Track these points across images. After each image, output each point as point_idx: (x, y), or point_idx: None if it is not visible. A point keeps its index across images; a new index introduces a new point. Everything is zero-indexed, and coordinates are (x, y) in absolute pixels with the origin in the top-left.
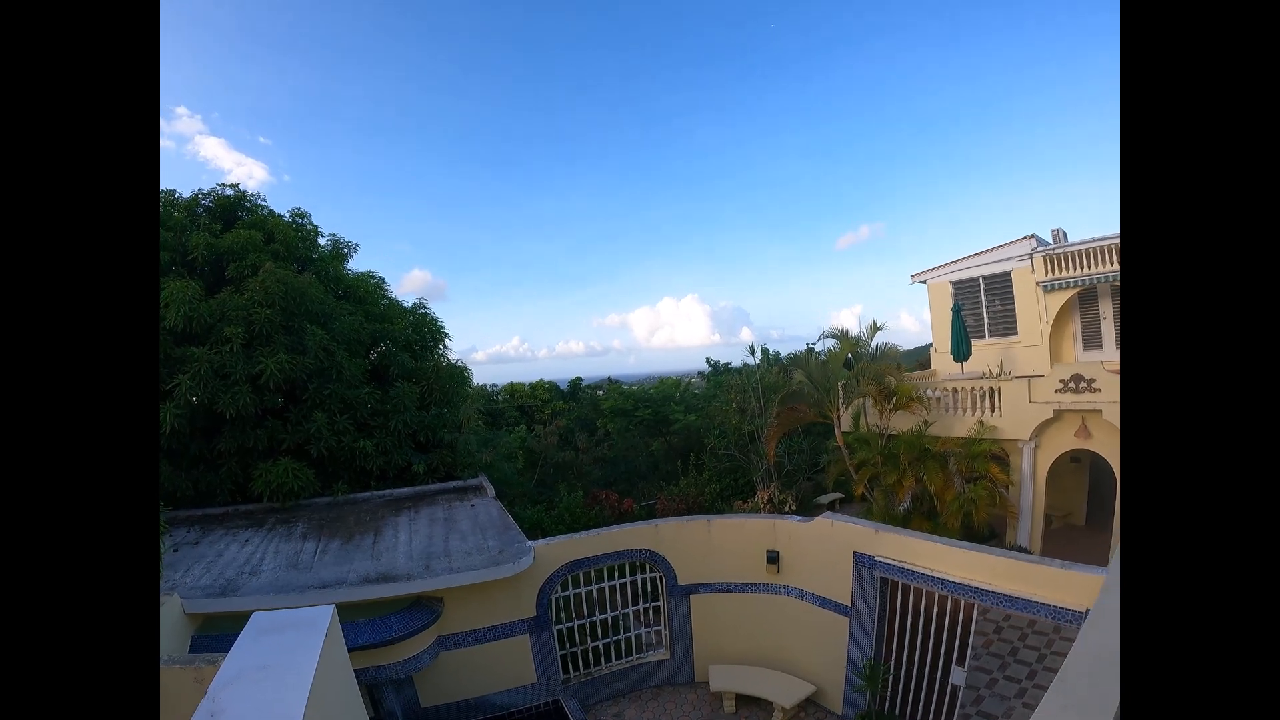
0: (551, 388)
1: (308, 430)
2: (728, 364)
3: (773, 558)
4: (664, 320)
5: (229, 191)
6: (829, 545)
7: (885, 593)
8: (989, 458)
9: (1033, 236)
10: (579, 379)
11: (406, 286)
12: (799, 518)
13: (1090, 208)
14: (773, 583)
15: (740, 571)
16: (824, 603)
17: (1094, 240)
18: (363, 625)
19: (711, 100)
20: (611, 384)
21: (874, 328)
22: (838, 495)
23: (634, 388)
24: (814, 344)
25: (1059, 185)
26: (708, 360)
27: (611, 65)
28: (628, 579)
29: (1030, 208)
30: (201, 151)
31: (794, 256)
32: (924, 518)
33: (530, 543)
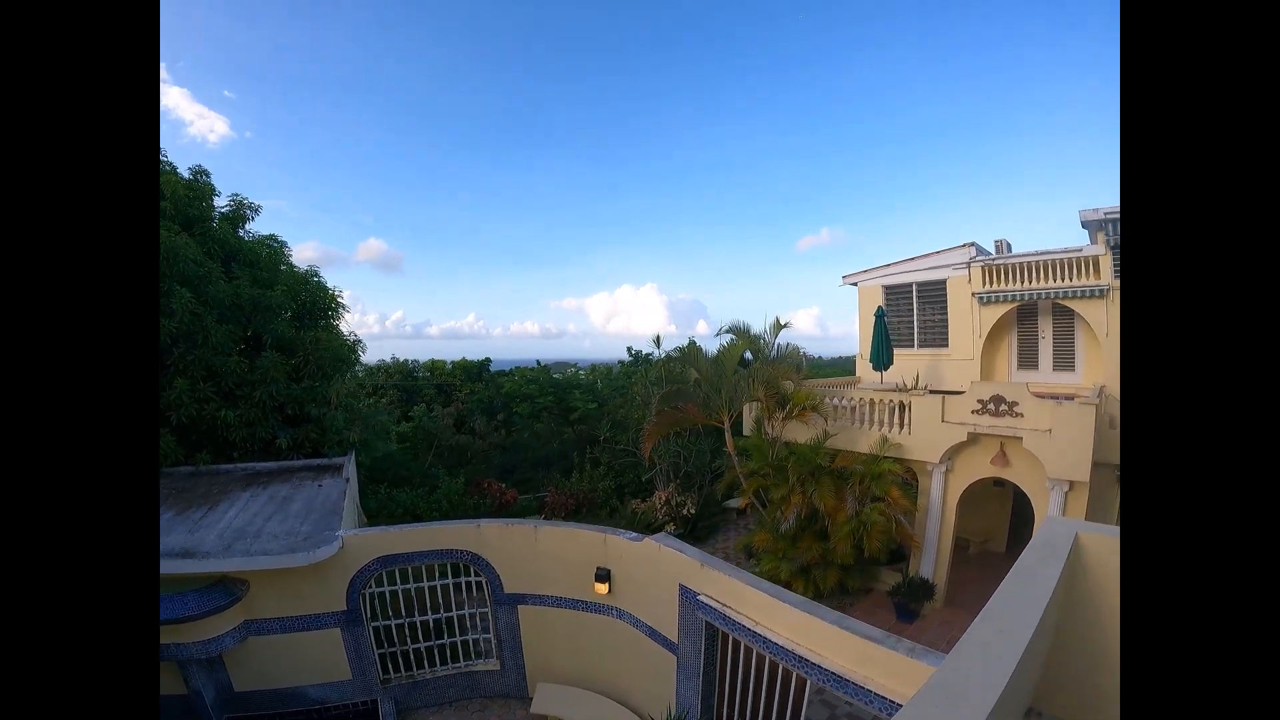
0: (465, 367)
1: (168, 397)
2: (648, 355)
3: (603, 576)
4: (621, 307)
5: None
6: (656, 572)
7: (712, 638)
8: (892, 479)
9: (972, 244)
10: (487, 360)
11: (362, 255)
12: (631, 535)
13: (1049, 225)
14: (603, 603)
15: (570, 586)
16: (653, 634)
17: (1037, 254)
18: (162, 599)
19: (687, 94)
20: (533, 368)
21: (777, 325)
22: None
23: (537, 371)
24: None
25: (1023, 203)
26: (629, 349)
27: (591, 48)
28: (449, 581)
29: (994, 225)
30: (163, 101)
31: (755, 255)
32: (815, 538)
33: (340, 532)
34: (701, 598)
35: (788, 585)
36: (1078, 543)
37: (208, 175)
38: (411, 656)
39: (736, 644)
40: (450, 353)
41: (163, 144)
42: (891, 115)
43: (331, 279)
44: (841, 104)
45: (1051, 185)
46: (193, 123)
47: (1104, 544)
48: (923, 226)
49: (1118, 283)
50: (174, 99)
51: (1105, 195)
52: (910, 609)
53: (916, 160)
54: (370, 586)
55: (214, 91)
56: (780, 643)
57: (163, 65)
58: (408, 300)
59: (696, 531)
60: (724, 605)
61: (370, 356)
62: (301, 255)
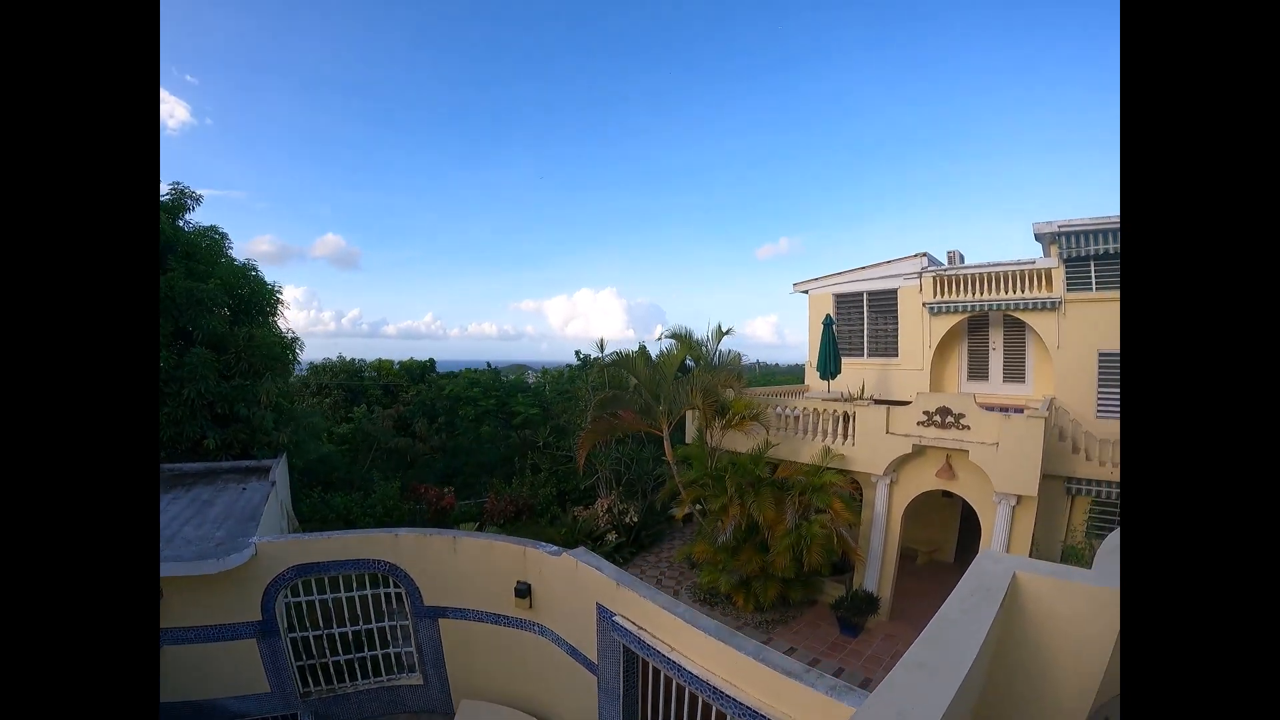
0: (409, 368)
1: None
2: (597, 358)
3: (523, 590)
4: (580, 310)
5: None
6: (575, 589)
7: (631, 661)
8: (834, 491)
9: (924, 255)
10: (431, 360)
11: (319, 250)
12: (550, 549)
13: (1004, 238)
14: (525, 618)
15: (491, 600)
16: (574, 653)
17: (989, 265)
18: None
19: (652, 100)
20: (478, 370)
21: (719, 332)
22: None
23: (480, 373)
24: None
25: (980, 216)
26: (576, 353)
27: (563, 50)
28: (368, 591)
29: (952, 237)
30: None
31: (716, 261)
32: (756, 550)
33: (253, 539)
34: (617, 619)
35: (728, 598)
36: (1015, 584)
37: None
38: (332, 669)
39: (656, 670)
40: (407, 353)
41: None
42: (852, 128)
43: (287, 274)
44: (802, 114)
45: (1009, 199)
46: None
47: (1045, 586)
48: (881, 237)
49: (1070, 295)
50: None
51: (1060, 209)
52: (854, 623)
53: (876, 172)
54: (287, 596)
55: (175, 75)
56: (695, 671)
57: None
58: (365, 298)
59: (640, 540)
60: (639, 628)
61: (328, 354)
62: (256, 249)
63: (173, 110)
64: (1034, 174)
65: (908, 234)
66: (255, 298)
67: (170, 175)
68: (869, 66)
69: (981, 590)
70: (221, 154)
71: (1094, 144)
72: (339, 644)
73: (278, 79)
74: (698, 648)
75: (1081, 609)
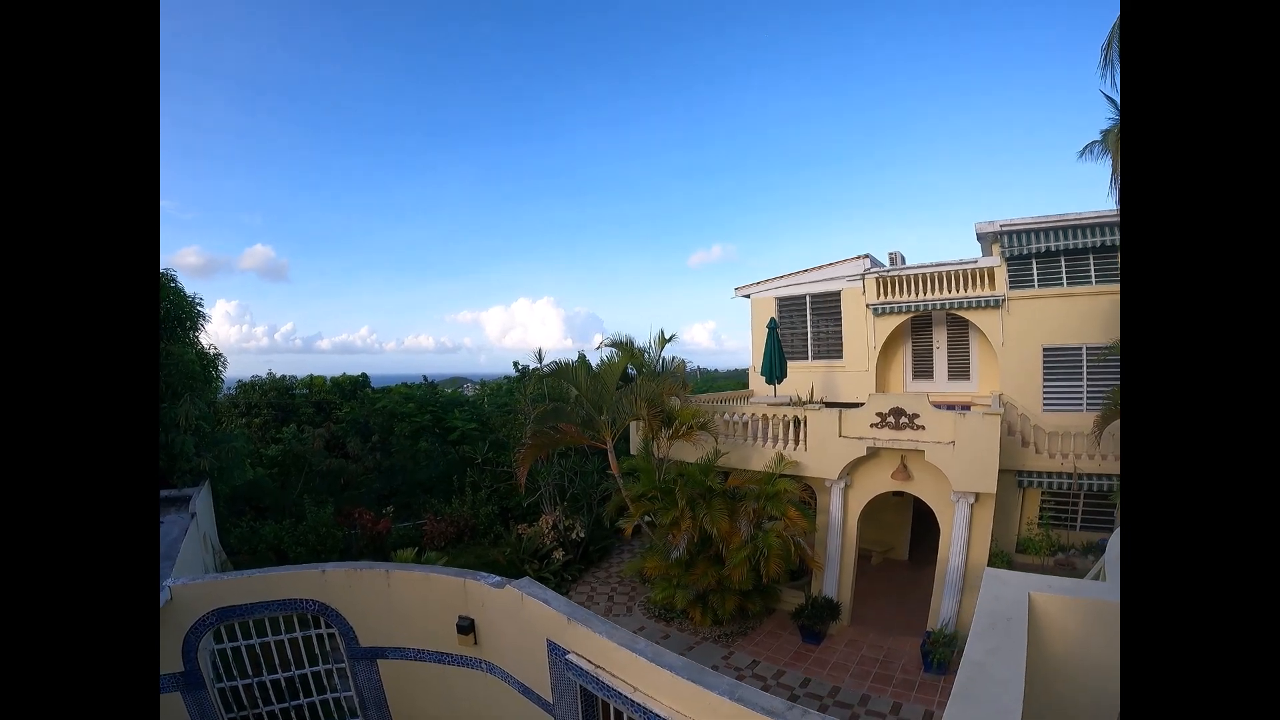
0: (341, 384)
1: None
2: (535, 369)
3: (464, 626)
4: (518, 321)
5: None
6: (521, 623)
7: (590, 702)
8: (788, 498)
9: (867, 256)
10: (364, 375)
11: (247, 262)
12: (492, 580)
13: (936, 242)
14: (470, 655)
15: (432, 638)
16: (526, 692)
17: (930, 265)
18: None
19: (586, 106)
20: (413, 385)
21: (662, 339)
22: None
23: (415, 388)
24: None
25: (916, 220)
26: (515, 364)
27: (500, 56)
28: (298, 634)
29: (885, 243)
30: None
31: (649, 270)
32: (710, 563)
33: (167, 582)
34: (571, 656)
35: (685, 613)
36: (1032, 607)
37: None
38: None
39: (618, 711)
40: (342, 368)
41: None
42: (782, 135)
43: (214, 287)
44: (728, 124)
45: (942, 204)
46: None
47: (1059, 604)
48: (813, 245)
49: (1013, 293)
50: None
51: (999, 209)
52: (815, 630)
53: (806, 179)
54: (211, 643)
55: None
56: (663, 714)
57: None
58: (298, 312)
59: (589, 555)
60: (596, 667)
61: (260, 371)
62: (182, 261)
63: None
64: (965, 179)
65: (843, 238)
66: (175, 311)
67: None
68: (802, 75)
69: (1002, 621)
70: None
71: (1027, 147)
72: (272, 692)
73: (205, 81)
74: (664, 688)
75: (1096, 624)
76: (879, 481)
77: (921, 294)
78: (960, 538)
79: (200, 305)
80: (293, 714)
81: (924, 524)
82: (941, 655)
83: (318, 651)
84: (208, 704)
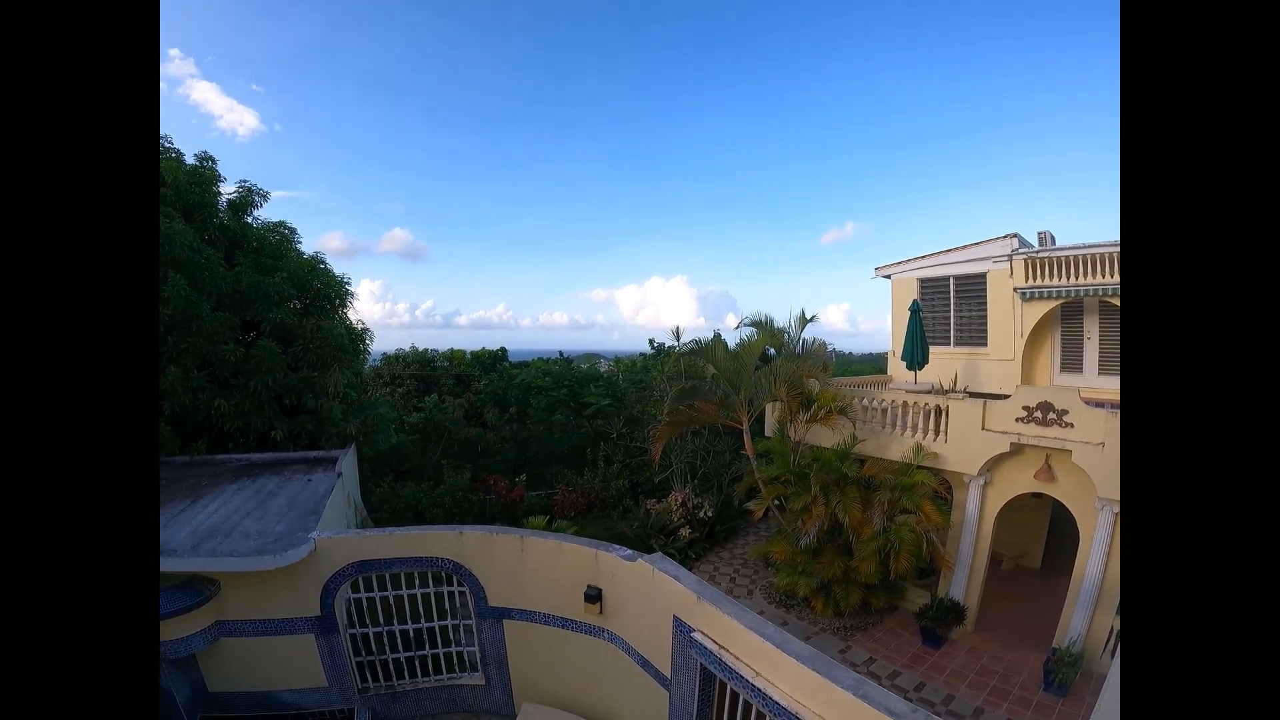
0: (481, 357)
1: (162, 385)
2: (672, 347)
3: (592, 595)
4: (650, 299)
5: None
6: (650, 597)
7: (708, 681)
8: (924, 492)
9: (1014, 236)
10: (503, 349)
11: (386, 245)
12: (624, 553)
13: (1086, 223)
14: (594, 624)
15: (558, 604)
16: (645, 665)
17: (1084, 247)
18: None
19: (717, 87)
20: (550, 360)
21: (803, 319)
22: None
23: (552, 363)
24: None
25: (1056, 200)
26: (650, 342)
27: (623, 37)
28: (430, 589)
29: (1029, 222)
30: (193, 95)
31: (780, 248)
32: (838, 553)
33: (312, 535)
34: (696, 635)
35: (806, 602)
36: None
37: (213, 162)
38: (391, 666)
39: (735, 694)
40: (480, 342)
41: (192, 139)
42: (920, 113)
43: (356, 268)
44: (864, 100)
45: (1092, 180)
46: (222, 116)
47: None
48: (955, 222)
49: None
50: (203, 93)
51: None
52: (937, 634)
53: (945, 153)
54: (347, 592)
55: (242, 85)
56: (782, 702)
57: (192, 60)
58: (437, 290)
59: (714, 535)
60: (720, 647)
61: (403, 345)
62: (328, 245)
63: (242, 118)
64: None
65: (987, 214)
66: (325, 290)
67: (243, 178)
68: (951, 39)
69: None
70: (292, 157)
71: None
72: (399, 641)
73: (341, 83)
74: (787, 676)
75: None
76: (1019, 481)
77: (1073, 278)
78: (1101, 549)
79: (348, 284)
80: (416, 663)
81: (1060, 530)
82: (1064, 676)
83: (447, 608)
84: (338, 646)
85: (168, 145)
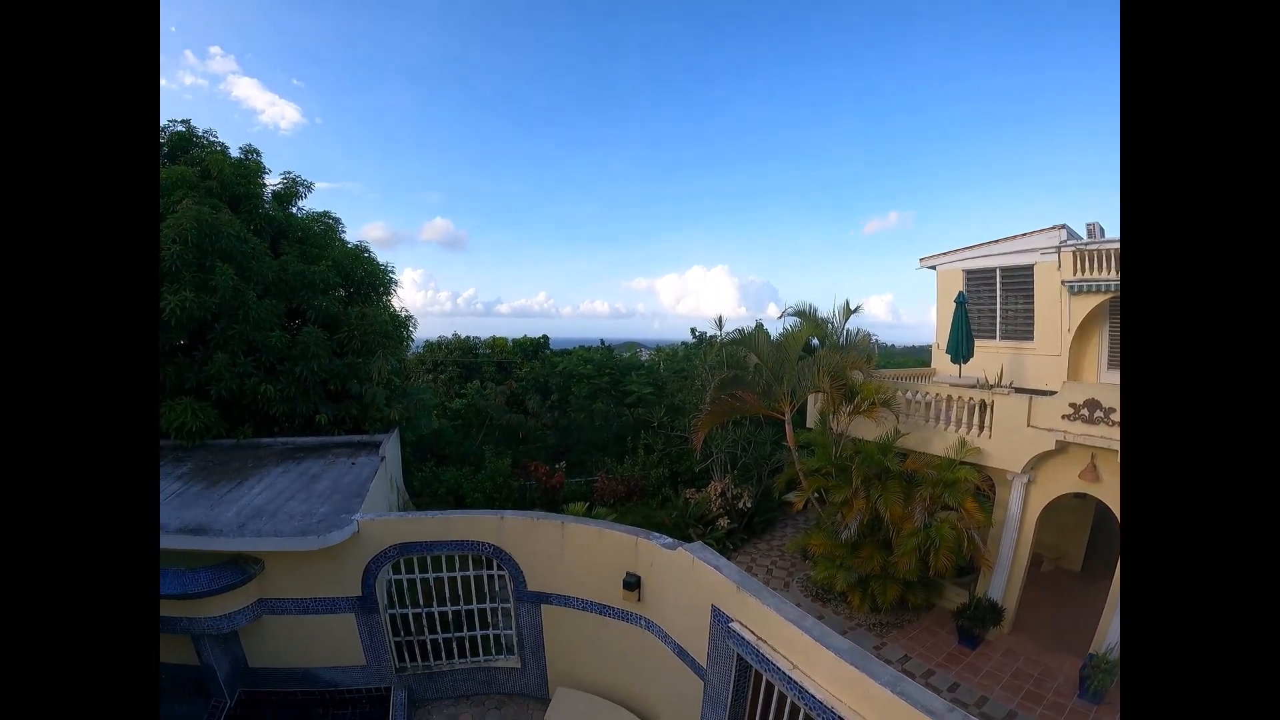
0: (523, 345)
1: (209, 371)
2: (711, 336)
3: (631, 583)
4: (691, 289)
5: (180, 128)
6: (688, 586)
7: (744, 672)
8: (967, 488)
9: (1063, 227)
10: (545, 337)
11: (427, 234)
12: (664, 541)
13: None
14: (632, 611)
15: (596, 590)
16: (681, 654)
17: None
18: (174, 574)
19: (756, 75)
20: (591, 348)
21: (847, 310)
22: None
23: (593, 351)
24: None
25: (1104, 192)
26: (691, 331)
27: (662, 26)
28: (470, 573)
29: (1076, 213)
30: (234, 91)
31: (822, 238)
32: (877, 548)
33: (355, 516)
34: (734, 625)
35: (843, 596)
36: None
37: (258, 154)
38: (429, 647)
39: (770, 685)
40: (521, 330)
41: (235, 134)
42: (965, 102)
43: (397, 257)
44: (905, 89)
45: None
46: (264, 111)
47: None
48: (1001, 212)
49: None
50: (245, 89)
51: None
52: (974, 634)
53: (990, 143)
54: (388, 573)
55: (283, 80)
56: (819, 696)
57: (233, 57)
58: (478, 279)
59: (753, 526)
60: (758, 638)
61: (444, 332)
62: (370, 234)
63: (284, 112)
64: None
65: (1034, 205)
66: (371, 279)
67: (286, 170)
68: (993, 23)
69: None
70: (334, 150)
71: None
72: (438, 622)
73: (380, 76)
74: (824, 669)
75: None
76: (1064, 480)
77: None
78: None
79: (391, 272)
80: (454, 644)
81: (1103, 533)
82: (1100, 683)
83: (486, 590)
84: (377, 626)
85: (211, 140)
